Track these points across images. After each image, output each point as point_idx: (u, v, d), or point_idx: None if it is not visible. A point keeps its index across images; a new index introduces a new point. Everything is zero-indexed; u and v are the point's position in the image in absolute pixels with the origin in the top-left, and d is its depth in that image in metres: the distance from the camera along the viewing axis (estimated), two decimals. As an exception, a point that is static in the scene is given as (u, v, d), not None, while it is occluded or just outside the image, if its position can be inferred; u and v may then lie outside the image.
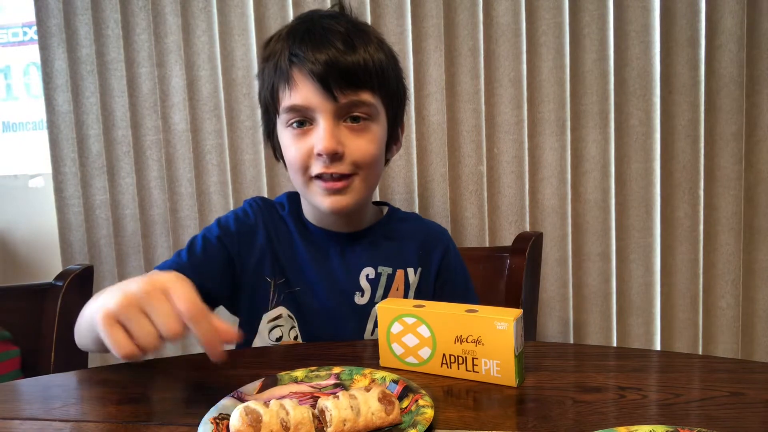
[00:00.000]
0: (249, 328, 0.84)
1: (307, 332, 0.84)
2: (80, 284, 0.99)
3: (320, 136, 0.75)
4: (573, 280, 1.33)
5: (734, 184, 1.27)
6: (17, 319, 0.96)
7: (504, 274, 1.07)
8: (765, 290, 1.30)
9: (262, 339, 0.84)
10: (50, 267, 1.54)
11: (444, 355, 0.60)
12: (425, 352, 0.61)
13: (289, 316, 0.84)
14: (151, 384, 0.64)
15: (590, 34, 1.28)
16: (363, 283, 0.85)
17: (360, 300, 0.85)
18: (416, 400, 0.52)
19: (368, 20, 1.31)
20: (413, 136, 1.34)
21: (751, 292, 1.30)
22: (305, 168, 0.78)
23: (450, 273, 0.90)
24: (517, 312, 0.58)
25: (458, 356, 0.59)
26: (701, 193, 1.28)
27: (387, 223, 0.90)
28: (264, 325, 0.83)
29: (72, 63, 1.43)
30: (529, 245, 1.05)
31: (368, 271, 0.85)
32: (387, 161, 0.90)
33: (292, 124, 0.78)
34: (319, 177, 0.77)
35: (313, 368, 0.60)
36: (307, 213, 0.88)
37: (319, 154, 0.75)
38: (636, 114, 1.29)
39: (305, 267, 0.85)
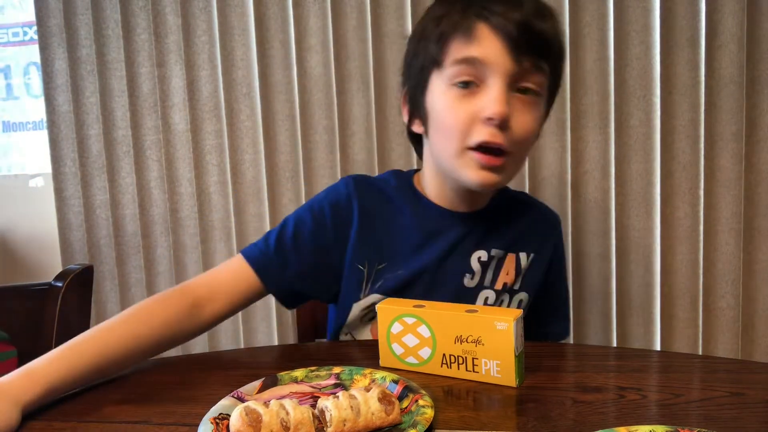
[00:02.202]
0: (341, 315, 0.82)
1: None
2: (80, 284, 0.98)
3: (492, 98, 0.68)
4: (573, 280, 1.33)
5: (734, 184, 1.27)
6: (17, 319, 0.96)
7: (504, 274, 1.06)
8: (765, 290, 1.30)
9: (353, 327, 0.80)
10: (50, 267, 1.54)
11: (444, 355, 0.60)
12: (425, 352, 0.61)
13: None
14: (151, 384, 0.64)
15: (590, 34, 1.28)
16: (474, 264, 0.81)
17: (469, 282, 0.81)
18: (416, 400, 0.52)
19: (368, 20, 1.30)
20: (413, 136, 1.34)
21: (751, 292, 1.30)
22: (464, 135, 0.70)
23: (557, 263, 0.89)
24: (517, 312, 0.58)
25: (458, 356, 0.59)
26: (701, 193, 1.28)
27: (502, 202, 0.85)
28: (355, 313, 0.80)
29: (72, 63, 1.43)
30: (529, 245, 1.05)
31: (480, 254, 0.81)
32: None
33: (457, 83, 0.70)
34: (476, 149, 0.70)
35: (313, 368, 0.60)
36: (430, 188, 0.82)
37: (490, 119, 0.68)
38: (636, 114, 1.29)
39: (412, 246, 0.80)
